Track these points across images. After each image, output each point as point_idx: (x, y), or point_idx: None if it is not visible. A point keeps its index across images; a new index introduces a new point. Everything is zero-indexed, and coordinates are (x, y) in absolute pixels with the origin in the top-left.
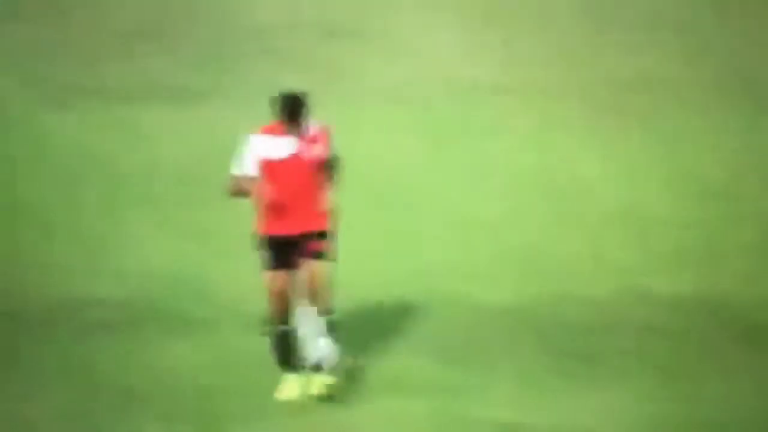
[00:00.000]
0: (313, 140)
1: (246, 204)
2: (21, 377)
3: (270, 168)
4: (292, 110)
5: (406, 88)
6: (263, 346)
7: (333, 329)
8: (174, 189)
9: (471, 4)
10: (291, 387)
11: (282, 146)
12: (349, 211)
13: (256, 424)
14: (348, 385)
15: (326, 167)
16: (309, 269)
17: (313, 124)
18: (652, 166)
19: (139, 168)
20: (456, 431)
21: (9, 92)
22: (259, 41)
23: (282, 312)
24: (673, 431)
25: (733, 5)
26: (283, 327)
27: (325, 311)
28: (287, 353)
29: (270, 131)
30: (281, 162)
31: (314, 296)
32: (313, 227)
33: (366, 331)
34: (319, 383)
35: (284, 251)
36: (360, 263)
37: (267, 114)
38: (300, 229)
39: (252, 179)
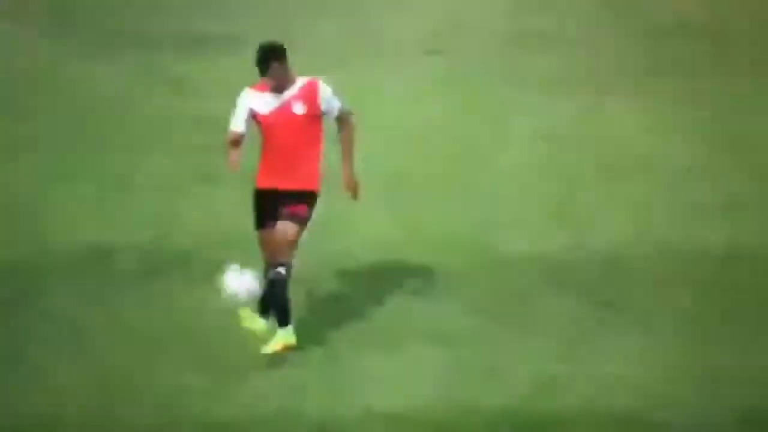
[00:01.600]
0: (298, 97)
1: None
2: (41, 324)
3: (260, 123)
4: (260, 61)
5: (433, 39)
6: (300, 296)
7: (284, 288)
8: (206, 136)
9: None
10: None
11: (267, 102)
12: (377, 162)
13: (278, 371)
14: (377, 332)
15: (338, 122)
16: (281, 228)
17: (301, 79)
18: (677, 118)
19: (169, 115)
20: (483, 380)
21: (38, 41)
22: None
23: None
24: (699, 376)
25: None
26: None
27: (280, 264)
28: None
29: (260, 87)
30: (266, 117)
31: (275, 253)
32: (298, 186)
33: (393, 279)
34: (281, 340)
35: (271, 208)
36: (385, 214)
37: (302, 61)
38: (285, 185)
39: (239, 135)
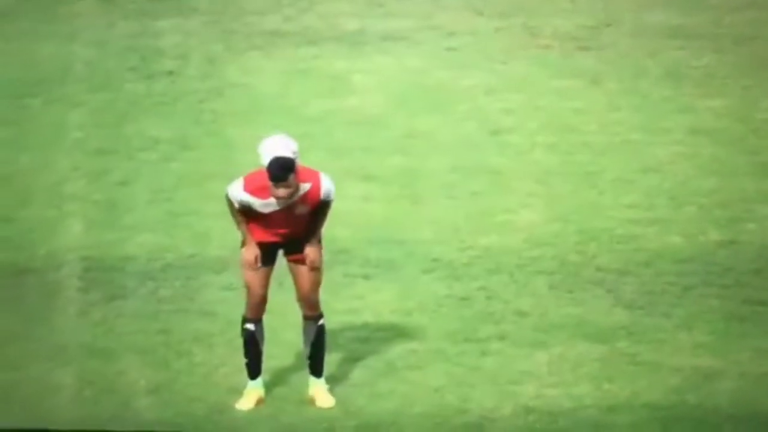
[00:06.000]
0: None
1: (430, 149)
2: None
3: None
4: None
5: (585, 35)
6: (452, 290)
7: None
8: (358, 133)
9: None
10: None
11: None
12: (529, 155)
13: (429, 366)
14: (530, 327)
15: None
16: None
17: None
18: None
19: (321, 112)
20: (636, 375)
21: (191, 36)
22: None
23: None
24: None
25: None
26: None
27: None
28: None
29: None
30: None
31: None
32: None
33: (545, 273)
34: (321, 394)
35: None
36: (537, 208)
37: (447, 58)
38: None
39: None
